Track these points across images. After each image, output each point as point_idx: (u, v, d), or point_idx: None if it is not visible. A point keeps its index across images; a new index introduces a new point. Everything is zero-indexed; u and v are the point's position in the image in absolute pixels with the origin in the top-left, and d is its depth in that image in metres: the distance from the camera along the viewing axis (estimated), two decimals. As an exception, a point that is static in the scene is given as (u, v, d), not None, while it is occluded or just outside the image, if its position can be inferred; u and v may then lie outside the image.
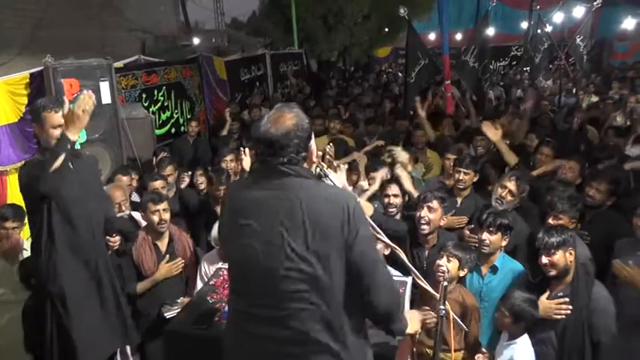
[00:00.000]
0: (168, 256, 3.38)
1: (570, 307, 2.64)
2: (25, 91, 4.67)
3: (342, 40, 14.95)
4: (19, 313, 3.02)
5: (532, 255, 2.96)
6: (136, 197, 4.37)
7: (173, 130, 7.22)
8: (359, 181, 4.75)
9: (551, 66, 11.86)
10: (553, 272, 2.69)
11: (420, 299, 2.88)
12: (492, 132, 4.28)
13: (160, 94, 6.96)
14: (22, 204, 2.99)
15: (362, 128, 7.05)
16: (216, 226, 3.13)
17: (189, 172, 4.78)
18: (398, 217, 3.65)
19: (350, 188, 4.27)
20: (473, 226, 3.47)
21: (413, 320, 2.05)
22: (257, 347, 1.77)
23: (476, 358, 2.74)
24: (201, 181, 4.65)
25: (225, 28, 16.77)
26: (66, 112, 2.60)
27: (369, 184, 4.09)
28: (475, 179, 3.92)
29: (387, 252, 2.73)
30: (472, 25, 15.00)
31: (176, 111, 7.33)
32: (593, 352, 2.65)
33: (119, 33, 10.59)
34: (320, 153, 2.27)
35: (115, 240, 3.00)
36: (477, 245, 3.13)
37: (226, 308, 2.37)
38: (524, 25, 15.48)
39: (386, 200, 3.66)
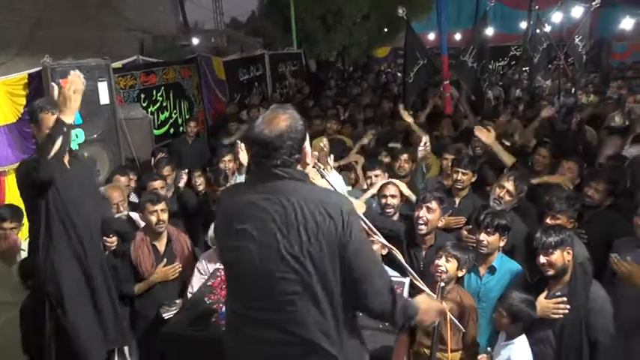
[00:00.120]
0: (165, 260, 3.36)
1: (568, 306, 2.64)
2: (23, 91, 4.68)
3: (341, 40, 14.95)
4: (17, 314, 3.01)
5: (530, 255, 2.97)
6: (134, 198, 4.37)
7: (172, 131, 7.23)
8: (358, 182, 4.76)
9: (550, 66, 11.86)
10: (551, 272, 2.69)
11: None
12: (485, 135, 4.28)
13: (159, 94, 6.97)
14: (21, 204, 2.99)
15: (361, 128, 7.04)
16: (212, 227, 3.13)
17: (187, 170, 4.77)
18: (396, 217, 3.65)
19: (349, 188, 4.29)
20: (471, 226, 3.47)
21: (427, 307, 1.95)
22: (255, 350, 1.77)
23: (479, 358, 2.74)
24: (200, 182, 4.65)
25: (224, 28, 16.74)
26: (56, 96, 2.55)
27: (367, 184, 4.09)
28: (473, 179, 3.92)
29: (384, 252, 2.74)
30: (471, 25, 14.97)
31: (175, 111, 7.33)
32: (590, 352, 2.66)
33: (118, 33, 10.58)
34: (316, 153, 2.28)
35: (112, 241, 3.00)
36: (474, 245, 3.13)
37: (224, 309, 2.38)
38: (524, 25, 15.46)
39: (383, 201, 3.65)
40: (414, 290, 2.75)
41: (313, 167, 2.41)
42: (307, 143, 1.80)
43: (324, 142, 5.09)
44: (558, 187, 3.72)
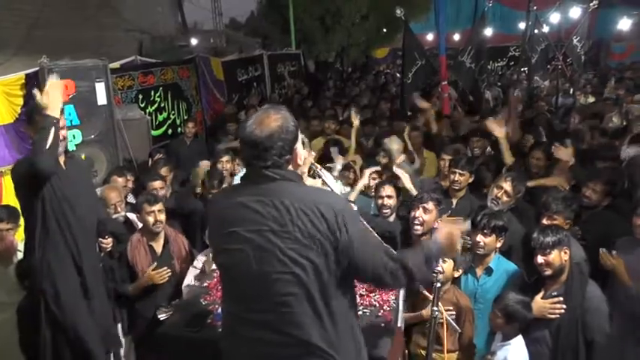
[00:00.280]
0: (155, 263, 3.33)
1: (564, 306, 2.65)
2: (20, 91, 4.67)
3: (340, 40, 14.93)
4: (14, 315, 3.00)
5: (527, 255, 2.97)
6: (131, 198, 4.36)
7: (170, 132, 7.21)
8: (357, 181, 4.75)
9: (548, 66, 11.87)
10: (548, 272, 2.70)
11: (413, 301, 2.88)
12: (498, 128, 4.28)
13: (157, 95, 6.95)
14: (17, 205, 2.99)
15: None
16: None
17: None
18: (392, 218, 3.64)
19: (348, 188, 4.29)
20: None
21: (446, 235, 1.92)
22: (252, 351, 1.77)
23: None
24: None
25: (223, 29, 16.73)
26: (39, 99, 2.59)
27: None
28: (470, 180, 3.92)
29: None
30: (469, 25, 15.02)
31: (173, 112, 7.32)
32: (586, 351, 2.66)
33: (116, 33, 10.56)
34: (314, 154, 2.28)
35: (108, 242, 2.99)
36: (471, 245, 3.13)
37: (219, 310, 2.37)
38: (522, 25, 15.48)
39: (379, 202, 3.64)
40: (411, 292, 2.77)
41: (311, 167, 2.41)
42: (299, 144, 1.79)
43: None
44: (555, 188, 3.73)
